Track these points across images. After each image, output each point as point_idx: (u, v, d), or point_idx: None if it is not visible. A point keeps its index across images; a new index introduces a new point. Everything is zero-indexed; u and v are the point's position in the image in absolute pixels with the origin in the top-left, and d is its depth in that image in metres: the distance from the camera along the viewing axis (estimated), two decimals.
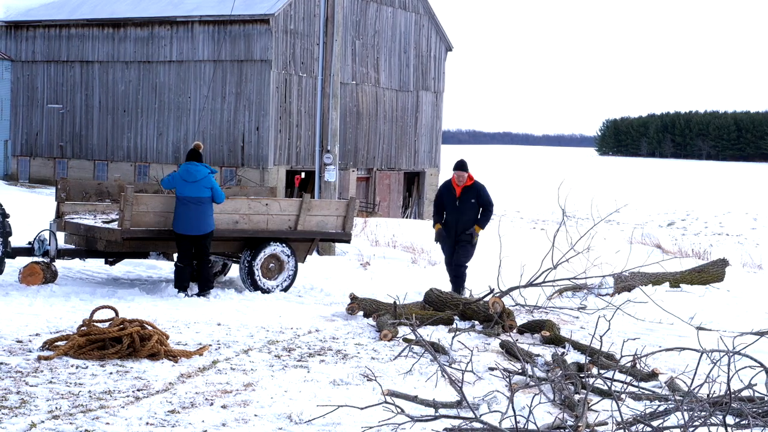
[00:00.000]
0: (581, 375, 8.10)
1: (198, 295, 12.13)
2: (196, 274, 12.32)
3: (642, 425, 6.54)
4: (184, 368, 8.16)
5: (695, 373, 6.82)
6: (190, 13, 34.98)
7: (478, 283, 13.64)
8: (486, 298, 11.23)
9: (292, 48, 34.46)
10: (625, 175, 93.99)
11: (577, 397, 7.50)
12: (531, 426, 6.41)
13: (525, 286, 12.73)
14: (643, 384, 8.41)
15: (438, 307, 11.30)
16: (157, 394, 7.27)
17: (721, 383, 7.00)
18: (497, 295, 12.66)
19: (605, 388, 7.91)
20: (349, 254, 17.99)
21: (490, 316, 10.74)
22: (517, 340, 10.01)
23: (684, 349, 7.64)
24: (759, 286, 16.37)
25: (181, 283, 12.19)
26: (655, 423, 6.58)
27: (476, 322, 10.91)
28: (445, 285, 13.17)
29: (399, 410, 6.64)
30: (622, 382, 7.68)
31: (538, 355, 9.06)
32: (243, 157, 34.33)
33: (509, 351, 9.37)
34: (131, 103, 36.52)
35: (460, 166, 12.93)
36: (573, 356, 9.52)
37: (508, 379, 7.84)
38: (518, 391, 7.99)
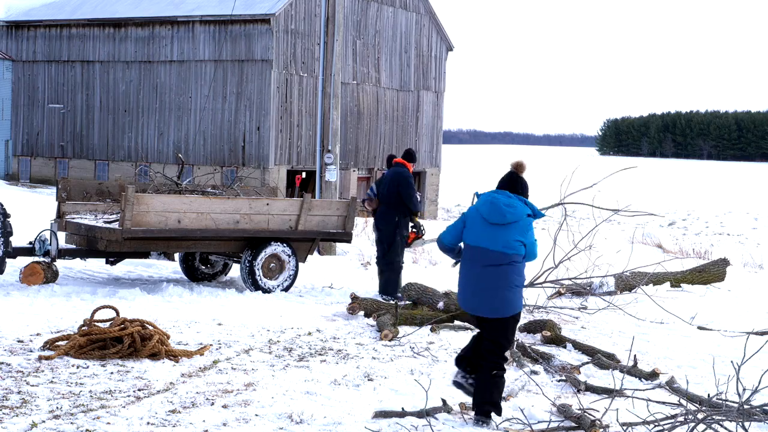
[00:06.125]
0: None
1: (476, 420, 7.03)
2: (475, 383, 7.14)
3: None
4: (185, 368, 8.16)
5: None
6: (190, 12, 34.98)
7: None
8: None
9: (293, 48, 34.46)
10: (626, 175, 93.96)
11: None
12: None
13: (526, 286, 12.73)
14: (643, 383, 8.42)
15: (416, 301, 11.44)
16: (158, 394, 7.27)
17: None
18: None
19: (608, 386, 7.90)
20: (349, 254, 18.00)
21: None
22: (518, 339, 10.00)
23: None
24: (760, 285, 16.38)
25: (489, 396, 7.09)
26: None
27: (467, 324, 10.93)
28: (445, 285, 13.20)
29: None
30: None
31: (552, 356, 9.05)
32: (244, 157, 34.34)
33: (521, 351, 9.34)
34: (132, 102, 36.53)
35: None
36: (574, 356, 9.53)
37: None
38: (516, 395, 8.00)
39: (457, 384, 7.23)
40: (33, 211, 19.26)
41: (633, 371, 8.68)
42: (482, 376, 7.00)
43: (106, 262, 13.71)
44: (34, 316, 10.00)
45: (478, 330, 7.26)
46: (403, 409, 7.07)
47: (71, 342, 8.29)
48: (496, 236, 6.96)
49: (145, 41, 36.03)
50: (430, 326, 10.49)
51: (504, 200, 7.01)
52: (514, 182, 7.15)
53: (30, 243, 12.60)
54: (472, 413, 7.19)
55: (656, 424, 6.64)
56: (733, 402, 6.91)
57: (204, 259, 14.00)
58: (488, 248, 6.97)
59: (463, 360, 7.22)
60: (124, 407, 6.84)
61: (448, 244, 7.27)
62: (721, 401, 7.03)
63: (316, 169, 19.49)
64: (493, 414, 6.99)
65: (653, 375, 8.57)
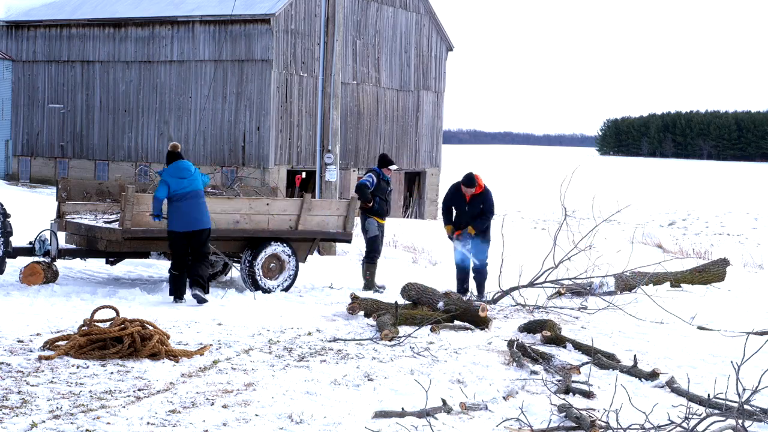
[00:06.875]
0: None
1: (193, 295, 11.54)
2: (191, 273, 11.63)
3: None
4: (185, 368, 8.16)
5: None
6: (190, 12, 34.98)
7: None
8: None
9: (293, 48, 34.46)
10: (626, 175, 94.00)
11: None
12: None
13: (527, 286, 12.73)
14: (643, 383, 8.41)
15: (416, 301, 11.44)
16: (158, 394, 7.27)
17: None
18: (497, 297, 12.71)
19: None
20: (349, 254, 18.00)
21: (479, 319, 10.78)
22: (518, 339, 9.99)
23: None
24: (760, 285, 16.38)
25: (178, 290, 11.66)
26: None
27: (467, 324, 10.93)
28: (445, 285, 13.19)
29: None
30: None
31: (552, 356, 9.03)
32: (244, 157, 34.35)
33: (521, 351, 9.31)
34: (132, 102, 36.53)
35: (469, 183, 13.18)
36: (574, 356, 9.52)
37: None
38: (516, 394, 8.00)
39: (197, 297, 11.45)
40: (33, 211, 19.25)
41: (633, 371, 8.67)
42: (197, 267, 11.61)
43: (106, 262, 13.70)
44: (34, 316, 10.00)
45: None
46: (403, 409, 7.07)
47: (71, 342, 8.29)
48: (195, 181, 11.58)
49: (145, 41, 36.03)
50: (430, 326, 10.49)
51: (185, 163, 11.71)
52: (179, 155, 11.79)
53: (30, 243, 12.60)
54: (473, 412, 7.21)
55: (656, 428, 6.64)
56: (733, 402, 6.91)
57: None
58: (197, 189, 11.57)
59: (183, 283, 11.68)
60: (124, 407, 6.84)
61: (163, 197, 11.51)
62: (721, 401, 7.03)
63: (316, 169, 19.49)
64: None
65: (653, 375, 8.56)
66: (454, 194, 13.42)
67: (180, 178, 11.55)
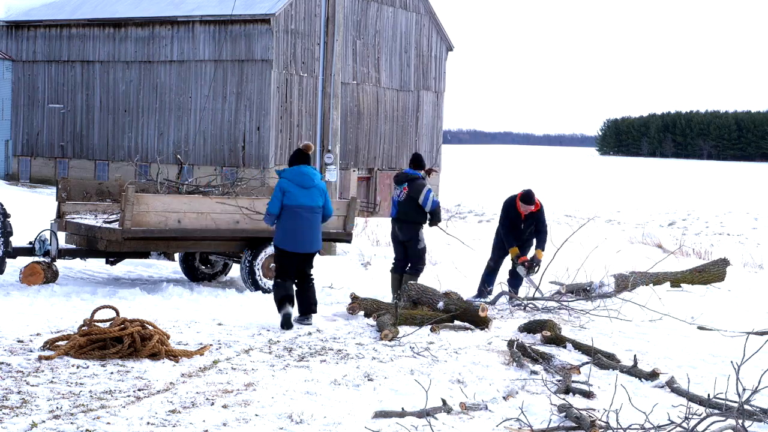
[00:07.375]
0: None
1: (299, 320, 10.40)
2: (300, 297, 10.46)
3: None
4: (185, 368, 8.16)
5: None
6: (190, 12, 35.00)
7: (477, 283, 13.63)
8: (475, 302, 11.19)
9: (293, 48, 34.47)
10: (626, 175, 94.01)
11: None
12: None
13: (535, 299, 12.74)
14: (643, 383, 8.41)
15: (416, 301, 11.44)
16: (158, 394, 7.27)
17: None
18: (496, 296, 12.72)
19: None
20: (350, 254, 18.01)
21: (479, 319, 10.78)
22: (518, 339, 10.00)
23: None
24: (760, 285, 16.38)
25: (281, 303, 10.22)
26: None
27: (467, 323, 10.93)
28: (445, 285, 13.18)
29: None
30: None
31: (552, 356, 9.03)
32: (244, 157, 34.35)
33: (521, 351, 9.31)
34: (132, 102, 36.54)
35: (527, 200, 12.72)
36: (574, 356, 9.52)
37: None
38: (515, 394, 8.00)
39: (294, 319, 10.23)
40: (33, 211, 19.26)
41: (633, 371, 8.67)
42: (309, 290, 10.44)
43: (106, 262, 13.71)
44: (34, 316, 10.00)
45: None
46: (403, 409, 7.07)
47: (71, 342, 8.29)
48: (311, 195, 10.10)
49: (145, 41, 36.04)
50: (430, 326, 10.49)
51: (309, 169, 10.19)
52: (307, 158, 10.24)
53: (30, 243, 12.61)
54: (473, 412, 7.21)
55: (656, 428, 6.64)
56: (733, 402, 6.91)
57: (204, 259, 14.01)
58: (308, 204, 10.08)
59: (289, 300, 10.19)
60: (124, 407, 6.83)
61: (276, 212, 10.10)
62: (721, 401, 7.03)
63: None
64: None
65: (653, 375, 8.56)
66: (510, 211, 12.90)
67: (299, 187, 10.16)
